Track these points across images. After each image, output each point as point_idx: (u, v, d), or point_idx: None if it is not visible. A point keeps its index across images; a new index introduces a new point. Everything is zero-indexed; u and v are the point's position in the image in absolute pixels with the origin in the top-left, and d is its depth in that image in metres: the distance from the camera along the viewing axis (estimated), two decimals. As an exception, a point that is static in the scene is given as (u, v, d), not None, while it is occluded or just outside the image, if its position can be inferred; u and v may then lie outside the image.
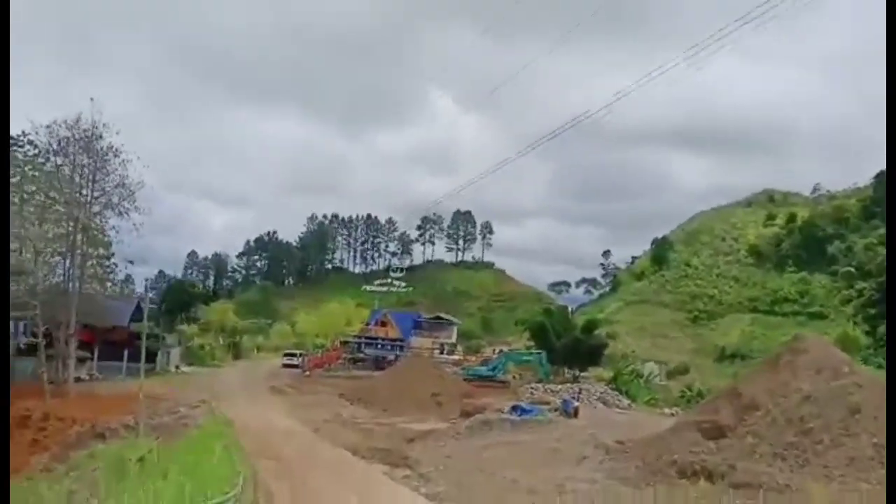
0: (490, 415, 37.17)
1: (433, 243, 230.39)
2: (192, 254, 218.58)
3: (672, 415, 47.92)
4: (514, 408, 38.43)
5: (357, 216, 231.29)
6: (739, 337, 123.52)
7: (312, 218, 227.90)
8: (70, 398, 44.89)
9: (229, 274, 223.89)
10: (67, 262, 53.65)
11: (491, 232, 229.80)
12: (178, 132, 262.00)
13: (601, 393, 52.92)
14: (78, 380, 54.05)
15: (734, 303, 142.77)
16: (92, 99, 50.75)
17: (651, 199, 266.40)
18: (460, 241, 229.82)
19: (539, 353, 64.82)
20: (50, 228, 53.51)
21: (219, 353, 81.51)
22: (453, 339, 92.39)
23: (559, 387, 55.98)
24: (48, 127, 50.44)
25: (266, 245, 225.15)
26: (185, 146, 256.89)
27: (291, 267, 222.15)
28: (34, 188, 53.15)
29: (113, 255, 59.02)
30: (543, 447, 29.60)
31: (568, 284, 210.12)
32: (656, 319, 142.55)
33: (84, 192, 53.53)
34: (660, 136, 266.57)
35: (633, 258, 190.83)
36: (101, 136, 51.04)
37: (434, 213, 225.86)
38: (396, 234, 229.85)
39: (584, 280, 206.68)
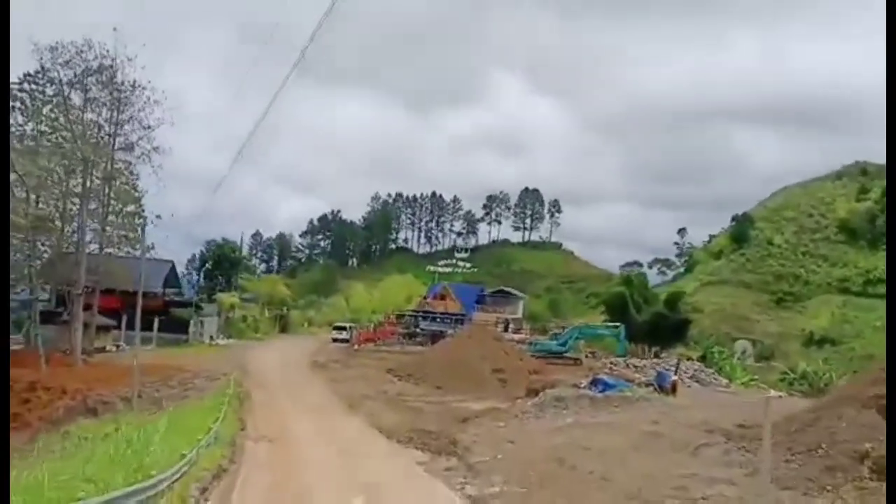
0: (564, 390, 29.64)
1: (499, 222, 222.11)
2: (257, 234, 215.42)
3: (780, 397, 39.42)
4: (595, 381, 30.89)
5: (422, 195, 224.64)
6: (829, 320, 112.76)
7: (376, 197, 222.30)
8: (74, 368, 39.25)
9: (293, 254, 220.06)
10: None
11: (559, 211, 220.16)
12: (250, 116, 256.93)
13: (694, 370, 44.78)
14: (101, 350, 48.72)
15: (822, 283, 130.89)
16: (115, 29, 45.25)
17: (727, 181, 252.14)
18: (527, 220, 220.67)
19: (616, 327, 56.78)
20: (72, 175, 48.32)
21: (263, 326, 75.66)
22: (519, 315, 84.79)
23: (644, 361, 48.11)
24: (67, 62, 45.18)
25: (329, 224, 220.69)
26: (258, 132, 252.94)
27: (355, 247, 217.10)
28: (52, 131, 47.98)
29: (143, 210, 53.44)
30: (638, 430, 22.08)
31: (640, 265, 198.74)
32: (737, 301, 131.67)
33: (103, 132, 48.18)
34: (737, 114, 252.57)
35: (711, 236, 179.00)
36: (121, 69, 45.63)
37: (500, 192, 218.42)
38: (462, 212, 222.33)
39: (656, 260, 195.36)
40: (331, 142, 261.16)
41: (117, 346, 51.97)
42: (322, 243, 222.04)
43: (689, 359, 52.84)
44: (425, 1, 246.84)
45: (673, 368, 38.88)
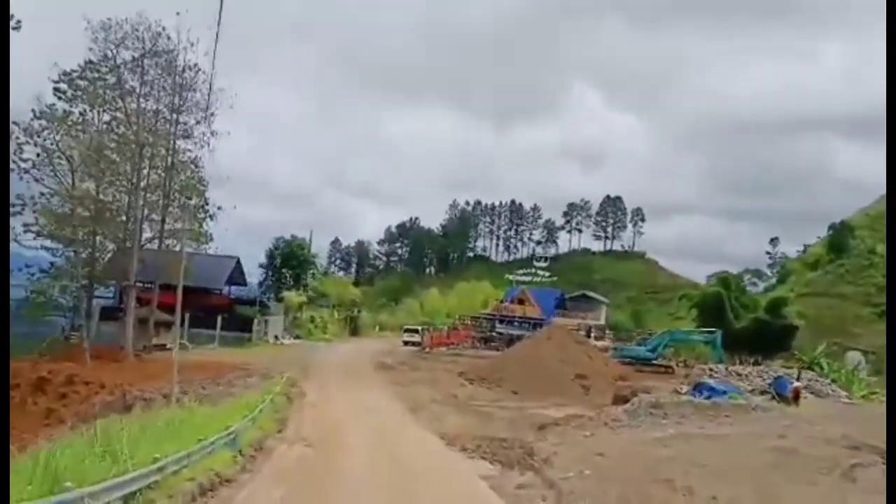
0: (661, 396, 25.09)
1: (580, 231, 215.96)
2: (336, 241, 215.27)
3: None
4: (698, 387, 26.27)
5: (501, 203, 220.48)
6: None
7: (455, 205, 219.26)
8: (122, 364, 36.79)
9: (371, 261, 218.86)
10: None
11: (643, 219, 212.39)
12: (336, 132, 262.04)
13: (808, 380, 39.15)
14: (160, 347, 46.33)
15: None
16: (178, 13, 43.07)
17: (815, 191, 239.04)
18: (609, 229, 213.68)
19: (712, 333, 51.34)
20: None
21: (332, 327, 72.75)
22: (601, 321, 79.71)
23: (748, 369, 42.77)
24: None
25: (408, 232, 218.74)
26: (341, 146, 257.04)
27: (433, 255, 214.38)
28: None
29: (207, 203, 51.19)
30: (763, 445, 17.53)
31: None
32: (836, 314, 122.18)
33: (161, 117, 46.09)
34: (825, 122, 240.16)
35: (806, 246, 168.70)
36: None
37: (582, 199, 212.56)
38: (541, 221, 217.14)
39: (746, 271, 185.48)
40: (411, 154, 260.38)
41: (180, 345, 49.49)
42: (400, 251, 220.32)
43: (806, 368, 46.92)
44: (505, 17, 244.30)
45: (786, 377, 33.56)
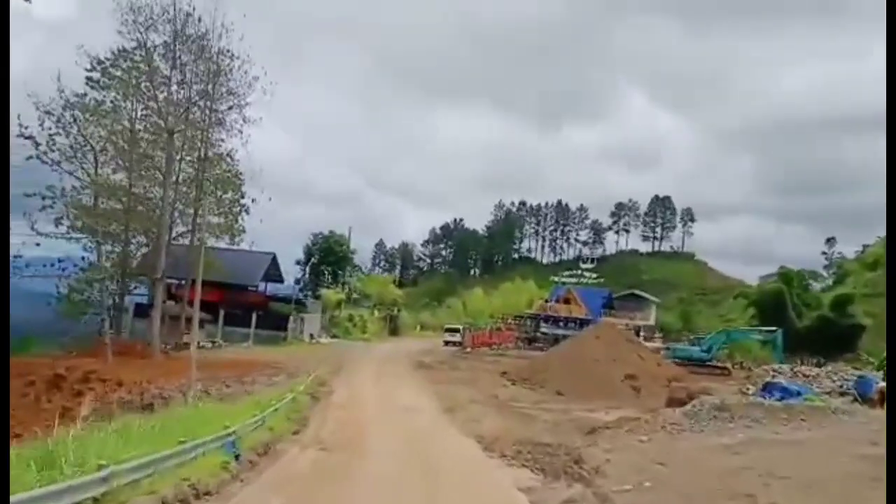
0: (726, 397, 22.43)
1: (627, 231, 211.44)
2: (380, 243, 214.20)
3: None
4: (768, 387, 23.51)
5: (546, 203, 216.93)
6: None
7: (500, 205, 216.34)
8: (146, 361, 35.25)
9: (415, 263, 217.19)
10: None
11: (692, 219, 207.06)
12: (380, 133, 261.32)
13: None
14: (187, 345, 44.87)
15: None
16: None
17: (870, 191, 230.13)
18: (658, 230, 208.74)
19: (773, 332, 48.02)
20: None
21: (371, 326, 70.75)
22: (651, 321, 76.46)
23: (816, 370, 39.56)
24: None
25: (452, 233, 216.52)
26: (386, 147, 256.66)
27: (477, 256, 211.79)
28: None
29: (242, 196, 49.66)
30: (854, 453, 14.82)
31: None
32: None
33: (193, 103, 44.74)
34: (875, 123, 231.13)
35: (864, 246, 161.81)
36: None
37: (630, 199, 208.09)
38: (588, 221, 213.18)
39: (801, 270, 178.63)
40: (455, 155, 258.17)
41: (213, 343, 48.08)
42: (444, 252, 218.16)
43: (875, 369, 43.37)
44: (550, 16, 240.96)
45: (873, 376, 30.44)
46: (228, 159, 49.34)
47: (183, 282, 47.07)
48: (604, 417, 25.83)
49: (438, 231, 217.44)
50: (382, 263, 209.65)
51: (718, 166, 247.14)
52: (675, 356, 46.43)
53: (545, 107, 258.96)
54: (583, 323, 64.01)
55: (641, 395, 34.48)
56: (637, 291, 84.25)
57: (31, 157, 39.10)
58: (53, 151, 40.64)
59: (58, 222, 42.26)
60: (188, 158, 46.23)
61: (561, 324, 65.54)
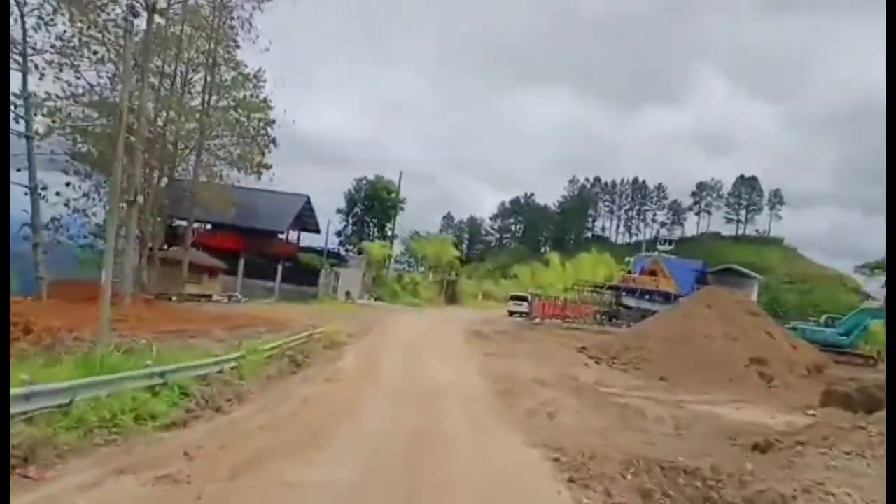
0: None
1: (709, 213, 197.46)
2: (448, 216, 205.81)
3: None
4: None
5: (622, 180, 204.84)
6: None
7: (574, 181, 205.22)
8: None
9: (483, 237, 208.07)
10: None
11: (781, 202, 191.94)
12: (458, 117, 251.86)
13: None
14: (203, 297, 36.82)
15: None
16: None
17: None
18: (742, 212, 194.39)
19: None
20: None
21: (424, 290, 61.69)
22: (752, 300, 65.49)
23: None
24: None
25: (522, 208, 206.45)
26: (463, 130, 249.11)
27: (548, 234, 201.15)
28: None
29: (272, 122, 41.51)
30: None
31: (881, 267, 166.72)
32: None
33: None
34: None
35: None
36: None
37: (712, 179, 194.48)
38: (667, 202, 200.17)
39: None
40: (529, 137, 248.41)
41: (230, 297, 40.03)
42: (513, 227, 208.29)
43: None
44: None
45: None
46: (254, 80, 41.34)
47: (180, 222, 39.24)
48: (735, 415, 17.16)
49: (508, 205, 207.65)
50: (450, 237, 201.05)
51: (800, 154, 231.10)
52: (803, 339, 36.30)
53: (623, 90, 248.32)
54: (670, 297, 54.22)
55: (774, 384, 24.96)
56: (735, 266, 73.17)
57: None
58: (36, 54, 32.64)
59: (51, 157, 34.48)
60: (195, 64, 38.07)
61: (646, 297, 55.70)
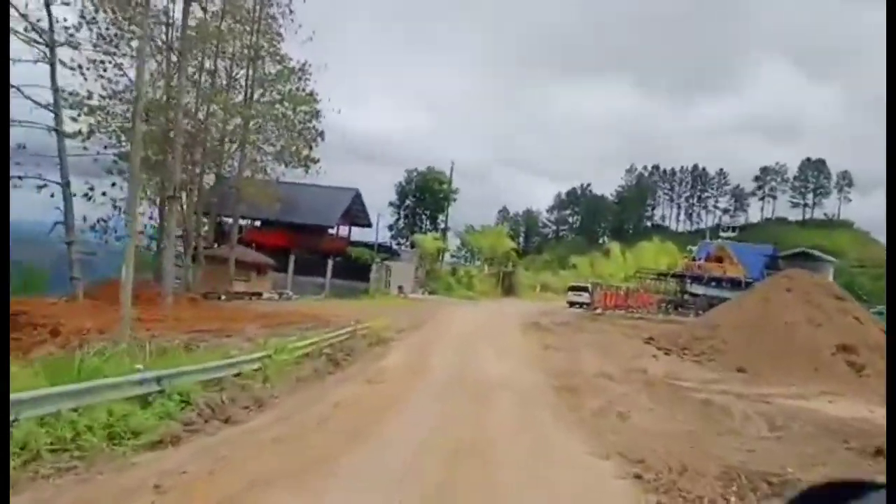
0: None
1: (774, 197, 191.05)
2: (503, 210, 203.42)
3: None
4: None
5: (682, 168, 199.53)
6: None
7: (631, 170, 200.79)
8: (147, 307, 25.83)
9: (539, 229, 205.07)
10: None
11: (850, 184, 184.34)
12: (510, 111, 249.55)
13: None
14: (243, 295, 35.76)
15: None
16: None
17: None
18: (809, 196, 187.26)
19: None
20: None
21: (480, 283, 59.83)
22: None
23: None
24: None
25: (578, 199, 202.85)
26: (516, 124, 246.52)
27: (606, 224, 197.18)
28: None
29: (319, 115, 40.42)
30: None
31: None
32: None
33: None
34: None
35: None
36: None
37: (776, 163, 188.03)
38: (728, 187, 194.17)
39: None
40: (583, 129, 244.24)
41: (280, 294, 38.97)
42: (570, 219, 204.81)
43: None
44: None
45: None
46: (300, 72, 40.24)
47: (231, 220, 38.37)
48: (831, 410, 15.16)
49: (564, 196, 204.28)
50: (506, 231, 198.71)
51: (869, 135, 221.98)
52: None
53: (679, 78, 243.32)
54: (739, 283, 51.52)
55: (865, 374, 22.58)
56: (809, 250, 69.67)
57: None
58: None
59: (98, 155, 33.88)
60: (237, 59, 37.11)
61: (714, 284, 53.05)
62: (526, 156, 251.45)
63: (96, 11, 32.99)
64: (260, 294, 37.41)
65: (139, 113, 15.43)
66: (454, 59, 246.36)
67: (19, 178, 28.64)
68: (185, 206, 36.65)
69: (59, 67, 29.19)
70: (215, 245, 39.78)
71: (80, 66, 32.03)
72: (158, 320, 21.08)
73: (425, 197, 63.45)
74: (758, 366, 22.49)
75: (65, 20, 30.54)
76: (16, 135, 27.52)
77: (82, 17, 32.09)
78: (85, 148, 32.82)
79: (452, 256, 64.51)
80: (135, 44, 33.49)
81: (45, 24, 28.40)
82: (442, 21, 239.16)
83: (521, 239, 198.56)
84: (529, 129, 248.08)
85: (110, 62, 34.15)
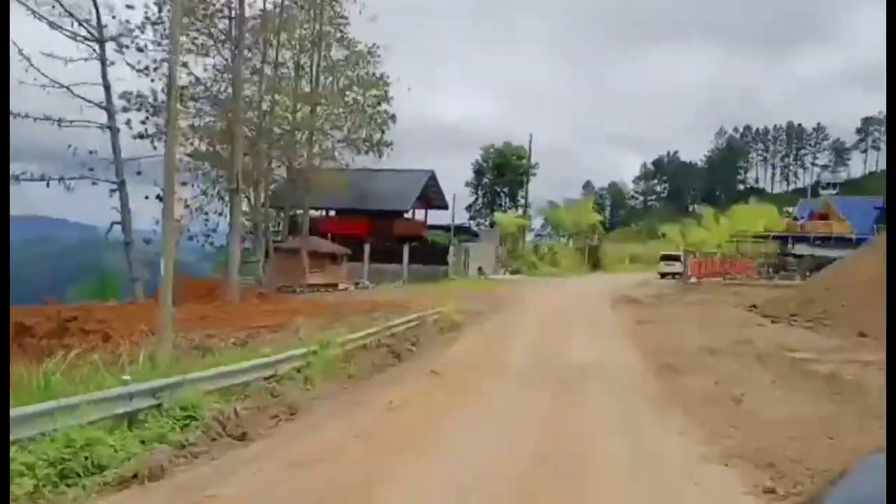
0: None
1: (878, 149, 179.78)
2: (588, 185, 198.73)
3: None
4: None
5: (775, 126, 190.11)
6: None
7: (721, 132, 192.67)
8: (208, 306, 25.03)
9: (626, 201, 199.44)
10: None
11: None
12: (590, 85, 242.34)
13: None
14: (319, 287, 34.71)
15: None
16: None
17: None
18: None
19: None
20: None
21: (565, 259, 57.47)
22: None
23: None
24: None
25: (665, 167, 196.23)
26: (597, 97, 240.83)
27: (696, 190, 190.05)
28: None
29: (389, 98, 39.32)
30: None
31: None
32: None
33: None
34: None
35: None
36: None
37: (879, 112, 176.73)
38: (828, 142, 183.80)
39: None
40: (668, 94, 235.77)
41: (356, 284, 37.89)
42: (658, 188, 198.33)
43: None
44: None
45: None
46: (368, 56, 39.03)
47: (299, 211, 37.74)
48: None
49: (650, 166, 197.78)
50: (592, 205, 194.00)
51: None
52: None
53: (765, 34, 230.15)
54: (853, 241, 47.67)
55: None
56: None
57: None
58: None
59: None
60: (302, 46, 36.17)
61: (819, 243, 49.39)
62: (609, 130, 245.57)
63: (159, 11, 32.62)
64: (335, 285, 36.39)
65: (173, 97, 14.06)
66: (530, 36, 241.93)
67: (93, 182, 28.55)
68: (251, 199, 36.12)
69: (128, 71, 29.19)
70: (290, 238, 39.05)
71: (146, 68, 31.72)
72: (219, 318, 20.11)
73: (504, 173, 61.29)
74: (879, 330, 19.87)
75: (127, 22, 30.22)
76: (72, 134, 27.45)
77: (146, 17, 31.75)
78: (154, 148, 32.58)
79: (536, 235, 62.45)
80: (200, 41, 33.00)
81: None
82: (517, 7, 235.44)
83: (608, 212, 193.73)
84: (611, 102, 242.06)
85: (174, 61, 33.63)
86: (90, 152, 28.45)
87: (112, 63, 28.77)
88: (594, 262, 60.43)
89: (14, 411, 5.84)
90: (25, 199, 35.18)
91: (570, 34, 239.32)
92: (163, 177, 14.65)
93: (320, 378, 10.76)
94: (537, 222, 69.61)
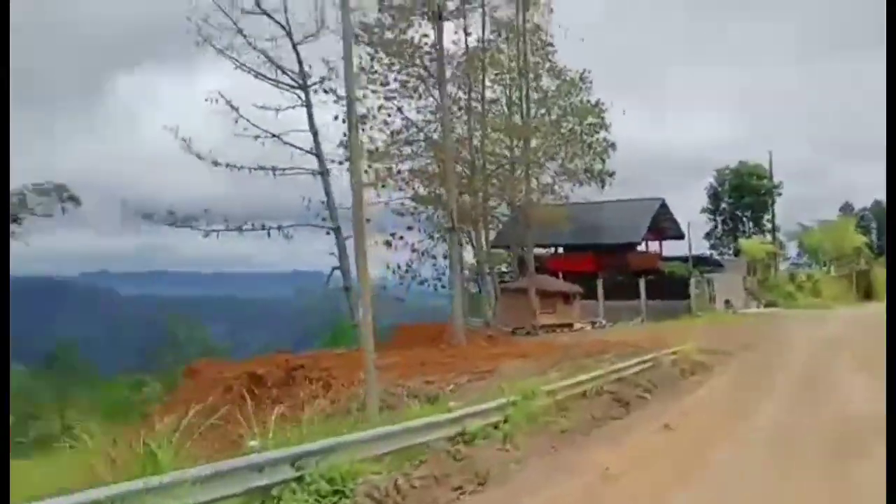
0: None
1: None
2: (846, 206, 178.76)
3: None
4: None
5: None
6: None
7: None
8: (433, 350, 23.94)
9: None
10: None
11: None
12: (827, 97, 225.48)
13: None
14: (553, 328, 32.84)
15: None
16: None
17: None
18: None
19: None
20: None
21: (827, 288, 50.54)
22: None
23: None
24: None
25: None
26: (838, 110, 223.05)
27: None
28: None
29: (607, 126, 37.45)
30: None
31: None
32: None
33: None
34: None
35: None
36: None
37: None
38: None
39: None
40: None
41: (592, 323, 35.50)
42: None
43: None
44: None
45: None
46: (580, 82, 37.32)
47: (524, 248, 36.37)
48: None
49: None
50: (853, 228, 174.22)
51: None
52: None
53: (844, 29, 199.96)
54: None
55: None
56: None
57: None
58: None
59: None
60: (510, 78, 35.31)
61: None
62: (860, 143, 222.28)
63: (371, 60, 33.16)
64: (570, 325, 34.27)
65: (354, 133, 13.09)
66: (756, 52, 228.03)
67: (327, 232, 29.00)
68: (473, 240, 35.27)
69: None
70: (520, 278, 37.74)
71: (362, 116, 32.10)
72: (441, 363, 19.20)
73: (743, 196, 56.07)
74: None
75: (329, 64, 30.59)
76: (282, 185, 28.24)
77: (361, 67, 32.17)
78: (378, 195, 32.99)
79: (792, 263, 56.21)
80: (407, 80, 33.12)
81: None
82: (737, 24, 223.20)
83: (874, 235, 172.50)
84: (858, 114, 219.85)
85: (392, 108, 34.30)
86: (321, 202, 28.95)
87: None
88: (865, 291, 52.64)
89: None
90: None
91: (802, 44, 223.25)
92: (352, 224, 13.80)
93: (521, 436, 8.77)
94: (791, 248, 62.75)
